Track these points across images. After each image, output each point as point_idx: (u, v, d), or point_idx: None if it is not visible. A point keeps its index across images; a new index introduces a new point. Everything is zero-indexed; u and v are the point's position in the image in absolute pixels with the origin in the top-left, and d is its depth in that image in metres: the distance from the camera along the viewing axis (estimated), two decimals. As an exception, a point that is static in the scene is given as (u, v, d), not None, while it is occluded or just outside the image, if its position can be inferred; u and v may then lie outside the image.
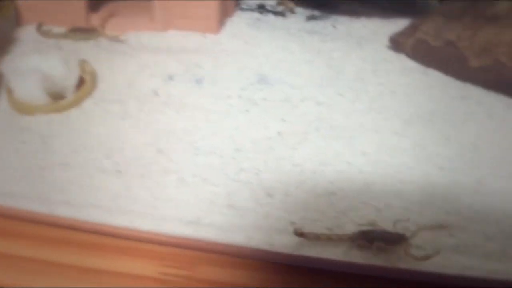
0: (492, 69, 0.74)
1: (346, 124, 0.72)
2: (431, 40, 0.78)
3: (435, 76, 0.78)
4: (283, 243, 0.56)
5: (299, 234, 0.56)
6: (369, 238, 0.55)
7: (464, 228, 0.58)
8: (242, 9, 0.96)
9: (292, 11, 0.95)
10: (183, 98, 0.77)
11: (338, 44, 0.85)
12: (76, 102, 0.75)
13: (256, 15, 0.94)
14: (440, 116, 0.72)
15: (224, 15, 0.91)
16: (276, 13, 0.95)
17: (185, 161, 0.66)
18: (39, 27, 0.88)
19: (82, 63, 0.77)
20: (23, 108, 0.73)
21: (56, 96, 0.74)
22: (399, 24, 0.88)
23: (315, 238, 0.56)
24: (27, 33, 0.89)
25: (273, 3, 0.97)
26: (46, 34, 0.88)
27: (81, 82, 0.76)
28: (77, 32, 0.87)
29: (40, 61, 0.76)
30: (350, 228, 0.58)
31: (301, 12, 0.95)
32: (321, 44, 0.86)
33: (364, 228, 0.57)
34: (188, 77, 0.81)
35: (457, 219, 0.59)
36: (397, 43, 0.82)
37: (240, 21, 0.93)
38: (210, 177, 0.64)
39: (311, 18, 0.93)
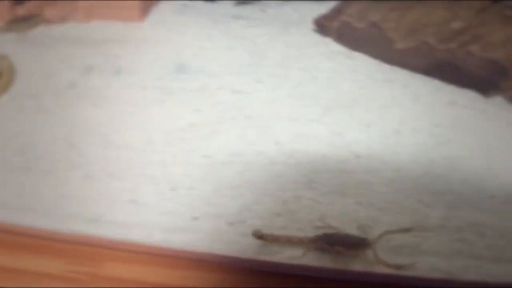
0: (420, 51, 0.69)
1: (262, 113, 0.68)
2: (355, 22, 0.74)
3: (360, 60, 0.74)
4: (182, 239, 0.54)
5: (258, 236, 0.54)
6: (330, 241, 0.53)
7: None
8: (170, -6, 0.91)
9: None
10: (101, 90, 0.74)
11: (264, 30, 0.81)
12: (-8, 99, 0.70)
13: (183, 1, 0.90)
14: (362, 101, 0.68)
15: (148, 3, 0.87)
16: (206, -2, 0.90)
17: (95, 155, 0.64)
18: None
19: (0, 59, 0.73)
20: None
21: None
22: (330, 7, 0.83)
23: (274, 240, 0.53)
24: None
25: (202, -12, 0.93)
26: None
27: (-2, 78, 0.73)
28: (19, 23, 0.82)
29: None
30: (254, 223, 0.55)
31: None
32: (245, 29, 0.82)
33: (326, 231, 0.54)
34: (107, 68, 0.78)
35: (368, 211, 0.57)
36: (322, 27, 0.78)
37: (166, 8, 0.89)
38: (117, 172, 0.62)
39: (240, 2, 0.88)
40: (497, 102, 0.68)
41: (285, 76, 0.72)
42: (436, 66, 0.69)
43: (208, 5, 0.89)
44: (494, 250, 0.54)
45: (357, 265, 0.51)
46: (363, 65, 0.73)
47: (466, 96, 0.69)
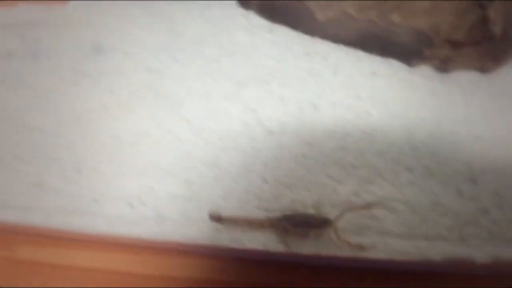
0: (340, 21, 0.66)
1: (175, 91, 0.65)
2: (273, -6, 0.70)
3: (281, 33, 0.71)
4: (81, 221, 0.53)
5: (216, 219, 0.52)
6: (292, 222, 0.51)
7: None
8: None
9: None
10: (19, 75, 0.71)
11: (184, 6, 0.77)
12: None
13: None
14: (279, 76, 0.65)
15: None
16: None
17: (7, 140, 0.62)
18: None
19: None
20: None
21: None
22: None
23: (233, 223, 0.52)
24: None
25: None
26: None
27: None
28: None
29: None
30: (155, 204, 0.54)
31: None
32: (166, 7, 0.78)
33: (287, 212, 0.52)
34: (26, 53, 0.74)
35: (273, 188, 0.55)
36: (244, 1, 0.74)
37: (90, -11, 0.85)
38: (25, 155, 0.60)
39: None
40: (421, 71, 0.65)
41: (201, 53, 0.69)
42: (358, 36, 0.66)
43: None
44: (405, 226, 0.51)
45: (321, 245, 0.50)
46: (283, 38, 0.70)
47: (389, 66, 0.66)
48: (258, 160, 0.57)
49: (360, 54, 0.67)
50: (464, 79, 0.65)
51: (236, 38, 0.70)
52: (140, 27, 0.74)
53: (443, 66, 0.64)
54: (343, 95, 0.62)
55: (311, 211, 0.52)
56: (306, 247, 0.50)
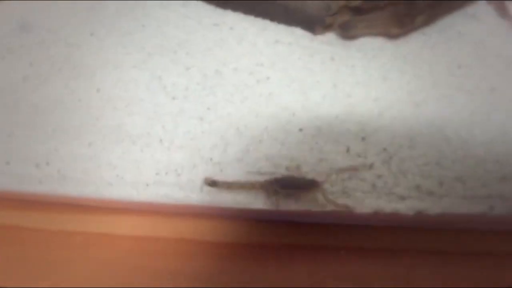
0: (248, -7, 0.69)
1: (90, 63, 0.68)
2: (185, -33, 0.73)
3: (194, 6, 0.74)
4: None
5: (211, 183, 0.56)
6: (281, 184, 0.55)
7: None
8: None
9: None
10: None
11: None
12: None
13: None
14: (186, 45, 0.68)
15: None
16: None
17: None
18: None
19: None
20: None
21: None
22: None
23: (228, 187, 0.55)
24: None
25: None
26: None
27: None
28: None
29: None
30: (59, 166, 0.59)
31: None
32: (90, -14, 0.81)
33: (277, 175, 0.56)
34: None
35: (168, 149, 0.60)
36: None
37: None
38: None
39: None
40: (325, 38, 0.68)
41: (116, 27, 0.72)
42: (262, 6, 0.69)
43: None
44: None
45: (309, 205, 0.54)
46: (195, 11, 0.73)
47: (292, 34, 0.69)
48: (158, 124, 0.59)
49: (267, 24, 0.70)
50: (368, 45, 0.68)
51: (151, 12, 0.73)
52: (64, 6, 0.77)
53: (345, 32, 0.67)
54: (246, 62, 0.65)
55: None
56: (294, 207, 0.54)
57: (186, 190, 0.54)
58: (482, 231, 0.57)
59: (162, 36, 0.69)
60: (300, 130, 0.59)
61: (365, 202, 0.54)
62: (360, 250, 0.55)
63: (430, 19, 0.72)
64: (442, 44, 0.71)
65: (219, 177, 0.55)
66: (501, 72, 0.69)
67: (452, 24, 0.74)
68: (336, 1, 0.66)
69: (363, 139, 0.58)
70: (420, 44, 0.71)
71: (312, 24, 0.68)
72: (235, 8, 0.71)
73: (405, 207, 0.54)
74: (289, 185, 0.55)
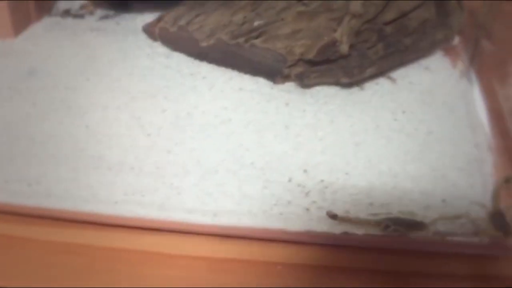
0: (216, 47, 0.85)
1: (83, 104, 0.83)
2: (169, 27, 0.90)
3: (176, 58, 0.89)
4: None
5: (332, 216, 0.68)
6: (394, 223, 0.67)
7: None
8: (50, 15, 1.09)
9: (91, 13, 1.08)
10: None
11: (108, 39, 0.97)
12: None
13: (57, 19, 1.07)
14: (165, 91, 0.83)
15: (23, 21, 1.03)
16: (76, 16, 1.07)
17: None
18: None
19: None
20: None
21: None
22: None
23: (347, 220, 0.67)
24: None
25: (78, 7, 1.10)
26: None
27: None
28: None
29: None
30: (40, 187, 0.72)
31: (100, 13, 1.08)
32: (95, 39, 0.97)
33: (391, 215, 0.68)
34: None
35: (139, 175, 0.73)
36: (149, 32, 0.94)
37: (40, 26, 1.05)
38: None
39: (103, 17, 1.06)
40: (285, 87, 0.82)
41: (108, 74, 0.87)
42: (231, 59, 0.84)
43: (77, 21, 1.06)
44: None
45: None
46: (176, 62, 0.88)
47: (255, 83, 0.83)
48: (132, 155, 0.74)
49: (234, 74, 0.85)
50: (322, 93, 0.82)
51: (139, 62, 0.88)
52: (67, 54, 0.94)
53: (301, 81, 0.81)
54: (213, 106, 0.80)
55: None
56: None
57: (147, 209, 0.68)
58: (405, 251, 0.68)
59: (145, 82, 0.84)
60: (252, 163, 0.72)
61: (297, 224, 0.67)
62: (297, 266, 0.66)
63: (380, 71, 0.85)
64: (392, 93, 0.85)
65: (177, 198, 0.68)
66: (441, 117, 0.81)
67: (405, 75, 0.88)
68: (292, 55, 0.80)
69: (305, 171, 0.71)
70: (371, 92, 0.84)
71: (273, 74, 0.82)
72: (209, 61, 0.86)
73: (332, 229, 0.67)
74: (402, 224, 0.66)
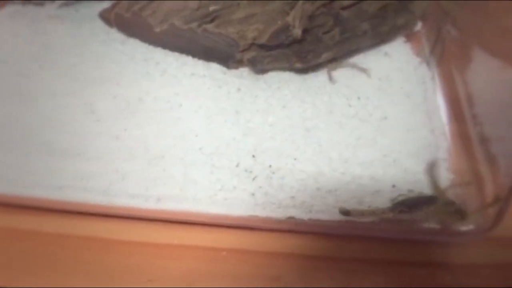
0: (170, 32, 0.84)
1: (35, 91, 0.82)
2: (123, 12, 0.89)
3: (130, 44, 0.89)
4: None
5: (345, 212, 0.67)
6: (406, 206, 0.67)
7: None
8: (13, 3, 1.08)
9: (52, 0, 1.07)
10: None
11: (65, 26, 0.96)
12: None
13: (18, 7, 1.06)
14: (117, 77, 0.82)
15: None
16: (36, 3, 1.07)
17: None
18: None
19: None
20: None
21: None
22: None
23: (360, 214, 0.67)
24: None
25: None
26: None
27: None
28: None
29: None
30: None
31: (60, 1, 1.07)
32: (51, 26, 0.96)
33: (400, 198, 0.68)
34: None
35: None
36: (105, 19, 0.94)
37: (1, 14, 1.05)
38: None
39: (63, 5, 1.05)
40: (239, 72, 0.82)
41: (63, 61, 0.87)
42: (184, 44, 0.84)
43: (37, 9, 1.05)
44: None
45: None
46: (130, 48, 0.88)
47: (208, 68, 0.82)
48: (81, 141, 0.74)
49: (187, 59, 0.84)
50: (276, 78, 0.82)
51: (94, 49, 0.88)
52: (22, 42, 0.93)
53: (254, 66, 0.81)
54: (165, 92, 0.79)
55: None
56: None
57: (93, 194, 0.67)
58: (352, 236, 0.68)
59: (99, 69, 0.84)
60: (200, 149, 0.72)
61: (242, 209, 0.66)
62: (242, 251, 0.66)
63: (337, 56, 0.84)
64: (348, 79, 0.84)
65: (122, 184, 0.68)
66: (397, 103, 0.81)
67: (364, 61, 0.87)
68: (244, 39, 0.80)
69: (253, 156, 0.71)
70: (327, 78, 0.84)
71: (226, 59, 0.82)
72: (163, 46, 0.86)
73: (277, 214, 0.67)
74: (415, 203, 0.66)
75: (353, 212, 0.66)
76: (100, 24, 0.93)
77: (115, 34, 0.90)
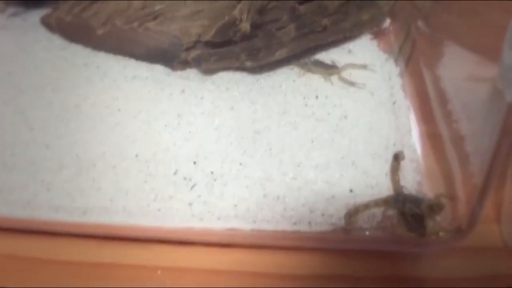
0: (112, 34, 0.77)
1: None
2: (64, 16, 0.82)
3: (71, 49, 0.82)
4: None
5: (349, 216, 0.62)
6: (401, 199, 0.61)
7: None
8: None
9: (2, 11, 1.00)
10: None
11: (8, 35, 0.88)
12: None
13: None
14: (55, 83, 0.75)
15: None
16: (-13, 14, 1.00)
17: None
18: None
19: None
20: None
21: None
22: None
23: (356, 212, 0.62)
24: None
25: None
26: None
27: None
28: None
29: None
30: None
31: (10, 11, 1.01)
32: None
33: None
34: None
35: (15, 171, 0.66)
36: (47, 24, 0.87)
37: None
38: None
39: (12, 15, 0.98)
40: (185, 73, 0.75)
41: (2, 69, 0.80)
42: (126, 46, 0.76)
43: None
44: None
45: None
46: (71, 53, 0.81)
47: (152, 70, 0.75)
48: (8, 150, 0.67)
49: (130, 62, 0.77)
50: (225, 78, 0.75)
51: (34, 56, 0.81)
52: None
53: (199, 66, 0.73)
54: (104, 97, 0.72)
55: None
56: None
57: (14, 207, 0.60)
58: (304, 249, 0.60)
59: (36, 76, 0.77)
60: (136, 155, 0.64)
61: (177, 220, 0.58)
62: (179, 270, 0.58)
63: (293, 53, 0.77)
64: (307, 77, 0.77)
65: (46, 195, 0.60)
66: (360, 102, 0.74)
67: (326, 59, 0.81)
68: (188, 36, 0.72)
69: (194, 163, 0.63)
70: (284, 77, 0.77)
71: (170, 59, 0.74)
72: (106, 50, 0.78)
73: (216, 225, 0.58)
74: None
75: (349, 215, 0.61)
76: (42, 31, 0.86)
77: (57, 40, 0.84)
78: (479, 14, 0.65)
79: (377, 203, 0.61)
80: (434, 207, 0.58)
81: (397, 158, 0.63)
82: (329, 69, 0.78)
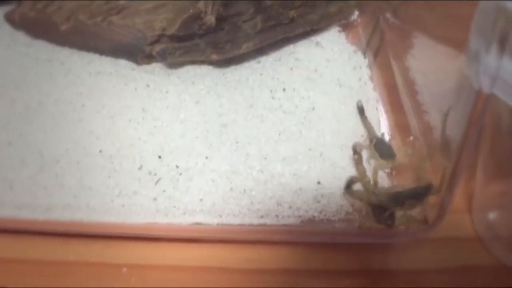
0: (76, 29, 0.75)
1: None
2: (28, 12, 0.80)
3: (36, 46, 0.80)
4: None
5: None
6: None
7: None
8: None
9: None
10: None
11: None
12: None
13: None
14: (17, 81, 0.74)
15: None
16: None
17: None
18: None
19: None
20: None
21: None
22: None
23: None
24: None
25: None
26: None
27: None
28: None
29: None
30: None
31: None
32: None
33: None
34: None
35: None
36: (11, 20, 0.85)
37: None
38: None
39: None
40: (150, 67, 0.74)
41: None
42: (90, 41, 0.75)
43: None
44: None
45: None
46: (35, 50, 0.79)
47: (117, 65, 0.74)
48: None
49: (94, 57, 0.75)
50: (191, 72, 0.74)
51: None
52: None
53: (165, 60, 0.72)
54: (67, 93, 0.71)
55: None
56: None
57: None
58: (270, 243, 0.59)
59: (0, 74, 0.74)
60: (100, 151, 0.63)
61: (141, 216, 0.57)
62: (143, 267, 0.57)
63: (260, 46, 0.76)
64: (274, 70, 0.76)
65: (9, 194, 0.59)
66: (328, 94, 0.73)
67: (292, 51, 0.79)
68: (152, 30, 0.71)
69: (159, 157, 0.62)
70: (250, 71, 0.76)
71: (134, 54, 0.73)
72: (70, 46, 0.77)
73: (181, 220, 0.57)
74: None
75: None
76: (8, 28, 0.83)
77: (21, 37, 0.81)
78: (447, 6, 0.64)
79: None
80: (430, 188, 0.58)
81: (355, 151, 0.63)
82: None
